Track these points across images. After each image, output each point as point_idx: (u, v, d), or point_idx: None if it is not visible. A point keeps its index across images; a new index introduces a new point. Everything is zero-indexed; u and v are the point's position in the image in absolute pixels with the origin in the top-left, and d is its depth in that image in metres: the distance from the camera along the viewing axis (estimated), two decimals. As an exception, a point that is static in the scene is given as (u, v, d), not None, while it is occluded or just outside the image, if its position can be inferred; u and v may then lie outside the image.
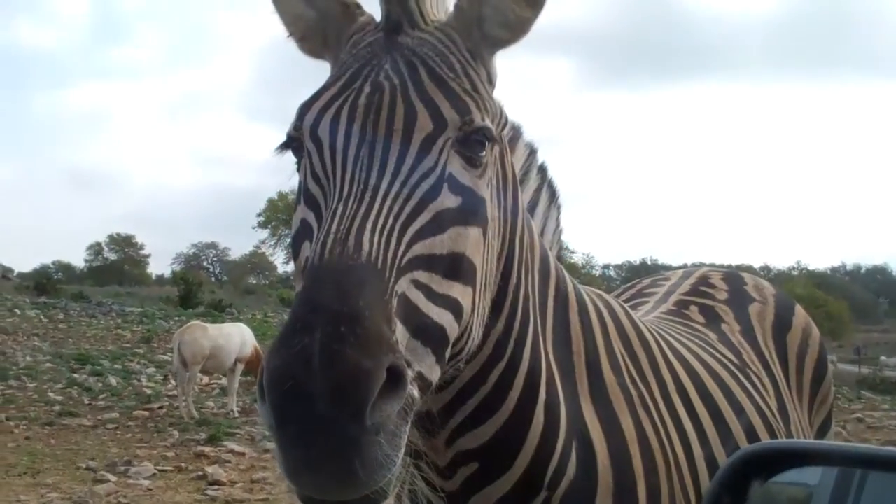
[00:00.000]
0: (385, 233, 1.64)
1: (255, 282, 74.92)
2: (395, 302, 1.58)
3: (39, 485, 10.57)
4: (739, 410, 2.75)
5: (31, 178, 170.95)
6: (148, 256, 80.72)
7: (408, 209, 1.70)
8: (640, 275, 3.93)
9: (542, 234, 2.47)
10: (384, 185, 1.70)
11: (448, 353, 1.76)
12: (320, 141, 1.83)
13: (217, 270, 79.68)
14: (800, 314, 3.61)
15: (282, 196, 54.55)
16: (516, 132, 2.49)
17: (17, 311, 33.68)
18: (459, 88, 1.85)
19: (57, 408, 16.30)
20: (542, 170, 2.62)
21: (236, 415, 16.26)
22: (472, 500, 2.12)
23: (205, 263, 78.93)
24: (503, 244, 2.04)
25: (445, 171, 1.78)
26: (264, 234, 65.35)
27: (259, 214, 62.39)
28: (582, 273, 62.21)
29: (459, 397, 2.04)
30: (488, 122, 1.85)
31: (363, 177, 1.72)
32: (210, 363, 16.91)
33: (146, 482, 10.83)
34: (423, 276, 1.68)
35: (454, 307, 1.74)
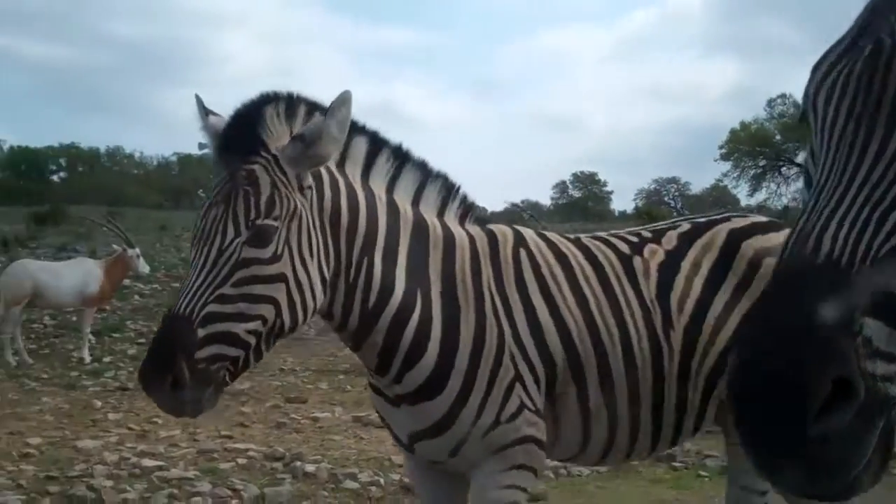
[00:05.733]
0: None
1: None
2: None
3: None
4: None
5: (506, 124, 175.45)
6: (611, 193, 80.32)
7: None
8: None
9: (417, 202, 2.89)
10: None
11: None
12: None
13: (678, 205, 75.46)
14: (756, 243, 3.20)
15: (744, 126, 49.55)
16: (353, 129, 2.66)
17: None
18: None
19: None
20: (396, 151, 2.88)
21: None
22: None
23: (666, 198, 77.22)
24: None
25: None
26: (726, 166, 61.61)
27: (721, 146, 53.75)
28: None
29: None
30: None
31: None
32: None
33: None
34: None
35: None
